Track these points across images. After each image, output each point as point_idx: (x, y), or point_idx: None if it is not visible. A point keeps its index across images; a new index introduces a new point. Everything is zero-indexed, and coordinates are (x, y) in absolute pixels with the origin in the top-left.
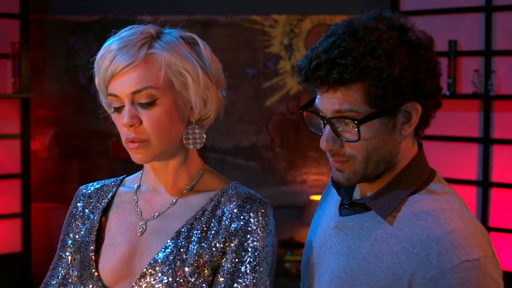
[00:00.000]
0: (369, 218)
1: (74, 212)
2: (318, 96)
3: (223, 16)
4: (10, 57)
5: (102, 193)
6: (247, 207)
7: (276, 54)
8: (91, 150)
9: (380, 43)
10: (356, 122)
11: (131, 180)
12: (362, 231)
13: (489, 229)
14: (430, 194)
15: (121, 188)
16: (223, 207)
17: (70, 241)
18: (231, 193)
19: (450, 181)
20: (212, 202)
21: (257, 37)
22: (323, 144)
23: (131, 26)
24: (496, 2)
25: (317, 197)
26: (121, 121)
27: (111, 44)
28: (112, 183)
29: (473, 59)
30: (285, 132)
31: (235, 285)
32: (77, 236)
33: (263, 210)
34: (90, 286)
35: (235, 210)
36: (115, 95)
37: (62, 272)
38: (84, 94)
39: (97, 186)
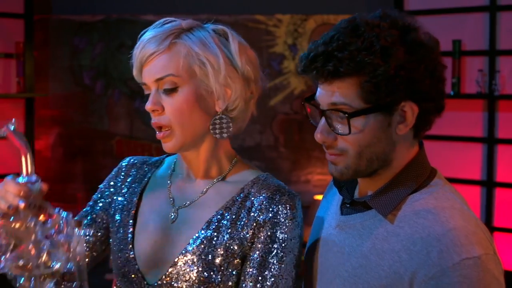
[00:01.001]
0: (370, 217)
1: (113, 183)
2: (318, 89)
3: (227, 15)
4: (15, 57)
5: (142, 172)
6: (276, 199)
7: (280, 54)
8: (95, 150)
9: (378, 39)
10: (347, 115)
11: (168, 163)
12: (363, 229)
13: (493, 229)
14: (430, 192)
15: (158, 171)
16: (252, 198)
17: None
18: (261, 184)
19: (454, 181)
20: (242, 193)
21: (261, 37)
22: (317, 135)
23: (165, 19)
24: (500, 1)
25: (321, 197)
26: (146, 107)
27: (144, 35)
28: (153, 163)
29: (477, 59)
30: (289, 131)
31: (263, 274)
32: (107, 204)
33: (291, 203)
34: (126, 269)
35: (264, 202)
36: (144, 83)
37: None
38: (88, 94)
39: (139, 161)
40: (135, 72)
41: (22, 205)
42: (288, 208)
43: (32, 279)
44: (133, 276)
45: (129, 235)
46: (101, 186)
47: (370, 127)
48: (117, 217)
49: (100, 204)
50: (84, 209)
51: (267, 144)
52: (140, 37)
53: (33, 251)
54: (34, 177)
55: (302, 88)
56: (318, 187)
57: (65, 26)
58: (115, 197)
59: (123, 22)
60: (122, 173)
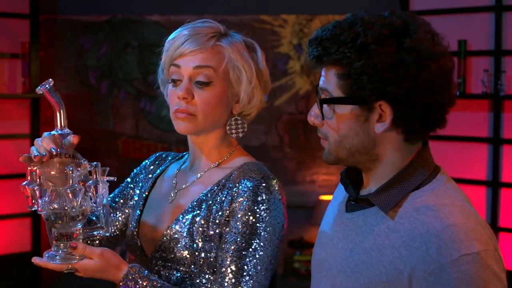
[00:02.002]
0: (372, 214)
1: (142, 170)
2: None
3: (233, 16)
4: (20, 57)
5: (163, 162)
6: (255, 183)
7: (285, 54)
8: (101, 149)
9: (362, 35)
10: (320, 100)
11: (185, 157)
12: (366, 226)
13: (499, 229)
14: (432, 189)
15: (174, 164)
16: (236, 181)
17: (132, 186)
18: (246, 169)
19: (459, 181)
20: (229, 176)
21: (267, 37)
22: (308, 116)
23: (204, 20)
24: (506, 1)
25: (326, 197)
26: (176, 93)
27: (184, 29)
28: (175, 156)
29: (483, 59)
30: (294, 132)
31: (239, 250)
32: (135, 187)
33: (268, 187)
34: (131, 242)
35: (244, 185)
36: (178, 66)
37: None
38: (93, 94)
39: (166, 154)
40: (164, 58)
41: (53, 152)
42: (264, 191)
43: (63, 219)
44: (135, 249)
45: (137, 213)
46: (134, 171)
47: (347, 118)
48: (135, 197)
49: (131, 186)
50: (118, 188)
51: (272, 144)
52: (178, 30)
53: (69, 195)
54: (66, 130)
55: (308, 88)
56: (324, 188)
57: (71, 26)
58: (140, 182)
59: (128, 22)
60: (150, 164)
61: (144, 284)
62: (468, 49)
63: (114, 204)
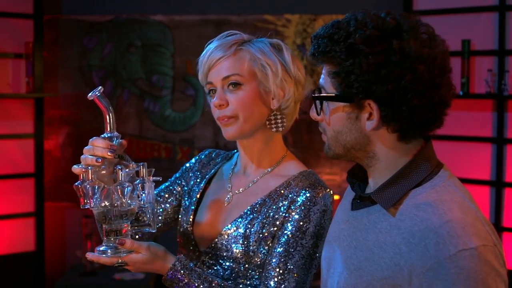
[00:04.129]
0: (375, 211)
1: (192, 168)
2: None
3: (236, 15)
4: (24, 57)
5: (214, 162)
6: (308, 193)
7: None
8: None
9: (352, 36)
10: (312, 95)
11: (235, 158)
12: (369, 223)
13: (503, 229)
14: (433, 186)
15: (226, 164)
16: (292, 190)
17: (179, 182)
18: (301, 178)
19: (463, 181)
20: (285, 185)
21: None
22: (310, 111)
23: (229, 32)
24: (510, 1)
25: None
26: (213, 104)
27: (211, 44)
28: (225, 156)
29: (486, 59)
30: (298, 132)
31: (288, 253)
32: (185, 183)
33: (321, 198)
34: (185, 237)
35: (300, 195)
36: (211, 82)
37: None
38: None
39: (215, 153)
40: (200, 76)
41: (110, 155)
42: (316, 201)
43: (113, 216)
44: (188, 244)
45: (191, 211)
46: (183, 167)
47: (339, 115)
48: (187, 196)
49: (179, 182)
50: (165, 183)
51: None
52: (206, 47)
53: (119, 192)
54: (115, 133)
55: (311, 88)
56: None
57: (75, 26)
58: (191, 180)
59: (132, 22)
60: (200, 162)
61: (190, 274)
62: (472, 49)
63: (159, 199)
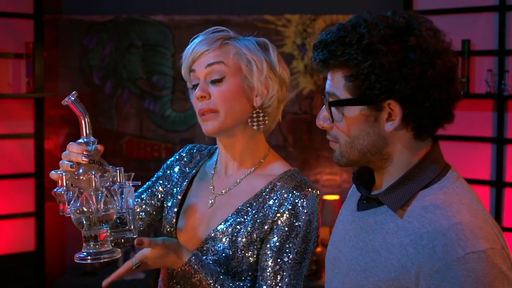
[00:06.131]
0: (382, 212)
1: (172, 166)
2: None
3: (236, 15)
4: (24, 57)
5: (195, 160)
6: (296, 193)
7: (289, 54)
8: (105, 149)
9: (367, 36)
10: (328, 103)
11: (215, 156)
12: (376, 224)
13: (503, 229)
14: (441, 188)
15: (208, 161)
16: (277, 191)
17: (160, 181)
18: (286, 178)
19: None
20: (270, 186)
21: (270, 37)
22: (317, 120)
23: (216, 28)
24: (510, 1)
25: (330, 197)
26: (195, 96)
27: (196, 39)
28: (206, 153)
29: (486, 59)
30: (298, 131)
31: (281, 256)
32: (167, 183)
33: (309, 197)
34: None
35: (286, 195)
36: (194, 70)
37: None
38: (97, 93)
39: (196, 149)
40: (184, 70)
41: (85, 160)
42: (304, 204)
43: (89, 222)
44: None
45: (173, 214)
46: (164, 165)
47: (356, 119)
48: (169, 196)
49: (160, 181)
50: (147, 183)
51: (276, 144)
52: (191, 41)
53: (93, 198)
54: (92, 138)
55: (311, 88)
56: (327, 187)
57: (75, 26)
58: (173, 178)
59: (132, 22)
60: (181, 159)
61: (203, 271)
62: (472, 49)
63: (140, 200)
